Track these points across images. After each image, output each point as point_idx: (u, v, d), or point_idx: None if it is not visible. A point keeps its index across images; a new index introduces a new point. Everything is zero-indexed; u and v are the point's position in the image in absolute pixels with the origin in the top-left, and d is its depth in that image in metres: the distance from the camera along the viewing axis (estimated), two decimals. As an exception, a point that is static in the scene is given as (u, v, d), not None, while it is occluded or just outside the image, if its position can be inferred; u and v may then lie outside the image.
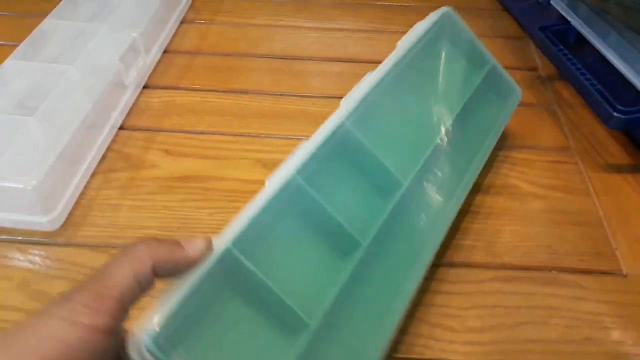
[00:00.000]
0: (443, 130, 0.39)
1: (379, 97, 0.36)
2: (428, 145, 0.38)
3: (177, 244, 0.24)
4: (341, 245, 0.31)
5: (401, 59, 0.38)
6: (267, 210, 0.27)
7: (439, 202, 0.37)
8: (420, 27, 0.41)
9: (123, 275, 0.22)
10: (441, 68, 0.43)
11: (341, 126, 0.33)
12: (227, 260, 0.25)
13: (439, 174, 0.38)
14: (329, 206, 0.30)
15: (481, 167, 0.41)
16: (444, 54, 0.43)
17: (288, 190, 0.29)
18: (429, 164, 0.37)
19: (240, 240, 0.26)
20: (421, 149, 0.37)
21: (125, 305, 0.22)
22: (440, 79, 0.42)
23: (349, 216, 0.31)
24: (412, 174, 0.35)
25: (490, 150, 0.43)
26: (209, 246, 0.25)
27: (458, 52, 0.44)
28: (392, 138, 0.36)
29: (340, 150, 0.33)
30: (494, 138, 0.43)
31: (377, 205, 0.33)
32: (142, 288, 0.22)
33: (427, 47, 0.41)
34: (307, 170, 0.30)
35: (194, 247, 0.24)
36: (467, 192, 0.39)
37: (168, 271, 0.23)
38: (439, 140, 0.38)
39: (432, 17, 0.42)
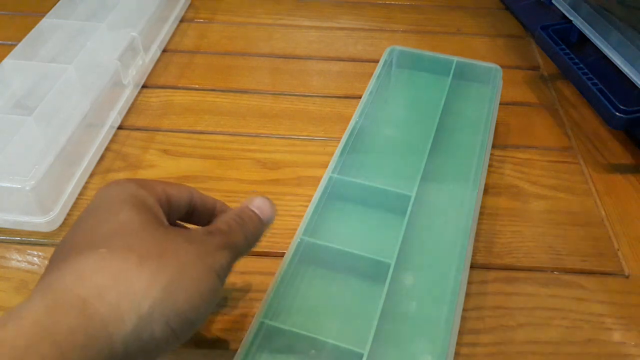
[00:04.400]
0: (432, 135, 0.41)
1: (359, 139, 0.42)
2: (423, 152, 0.40)
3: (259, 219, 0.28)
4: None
5: (366, 101, 0.44)
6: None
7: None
8: (376, 71, 0.48)
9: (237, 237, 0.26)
10: (409, 89, 0.48)
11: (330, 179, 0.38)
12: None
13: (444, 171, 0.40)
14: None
15: (486, 148, 0.41)
16: (406, 77, 0.49)
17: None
18: (430, 166, 0.39)
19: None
20: (418, 157, 0.40)
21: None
22: (411, 97, 0.47)
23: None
24: (417, 181, 0.38)
25: (490, 131, 0.43)
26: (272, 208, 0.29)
27: (418, 70, 0.49)
28: (383, 163, 0.41)
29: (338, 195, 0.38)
30: (488, 121, 0.44)
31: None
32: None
33: (386, 78, 0.48)
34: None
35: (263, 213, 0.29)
36: (481, 172, 0.40)
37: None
38: (430, 146, 0.40)
39: (382, 58, 0.49)
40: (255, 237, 0.28)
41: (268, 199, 0.29)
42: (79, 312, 0.19)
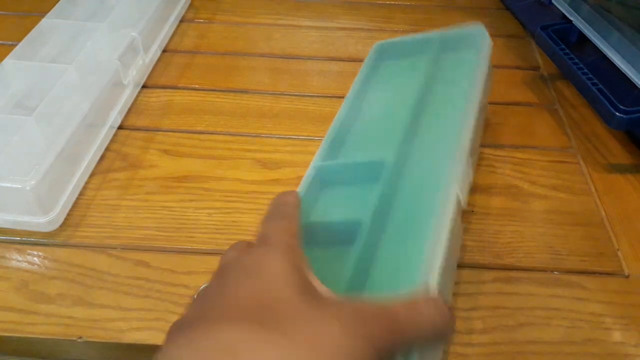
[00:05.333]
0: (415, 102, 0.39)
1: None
2: (403, 122, 0.38)
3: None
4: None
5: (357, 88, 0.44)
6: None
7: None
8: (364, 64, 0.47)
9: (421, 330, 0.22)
10: (395, 75, 0.46)
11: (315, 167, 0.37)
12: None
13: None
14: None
15: (469, 102, 0.39)
16: (393, 65, 0.47)
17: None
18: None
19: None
20: (398, 127, 0.38)
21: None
22: (397, 81, 0.45)
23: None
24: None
25: (475, 87, 0.40)
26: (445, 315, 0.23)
27: (406, 56, 0.47)
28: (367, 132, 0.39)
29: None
30: (471, 78, 0.41)
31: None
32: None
33: (373, 71, 0.46)
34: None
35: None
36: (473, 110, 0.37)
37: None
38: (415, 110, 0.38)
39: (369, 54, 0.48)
40: (422, 340, 0.23)
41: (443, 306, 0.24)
42: None
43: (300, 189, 0.34)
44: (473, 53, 0.43)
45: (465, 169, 0.34)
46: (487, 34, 0.44)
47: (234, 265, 0.23)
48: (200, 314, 0.21)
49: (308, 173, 0.36)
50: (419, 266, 0.27)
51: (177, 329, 0.21)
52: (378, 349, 0.20)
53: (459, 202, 0.32)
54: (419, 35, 0.47)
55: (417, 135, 0.37)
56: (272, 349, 0.18)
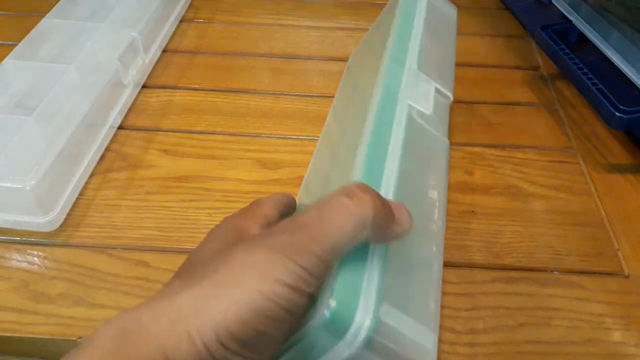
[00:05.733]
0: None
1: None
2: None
3: (391, 211, 0.22)
4: None
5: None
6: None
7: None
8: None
9: (343, 229, 0.21)
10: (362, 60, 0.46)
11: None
12: None
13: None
14: None
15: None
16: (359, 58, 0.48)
17: None
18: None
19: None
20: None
21: (332, 264, 0.21)
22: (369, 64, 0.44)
23: None
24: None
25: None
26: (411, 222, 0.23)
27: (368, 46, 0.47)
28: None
29: None
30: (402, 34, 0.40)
31: None
32: (352, 245, 0.21)
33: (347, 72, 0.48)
34: None
35: (402, 222, 0.23)
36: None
37: (375, 239, 0.23)
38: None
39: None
40: (352, 230, 0.21)
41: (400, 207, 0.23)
42: (141, 338, 0.19)
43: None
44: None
45: (416, 81, 0.34)
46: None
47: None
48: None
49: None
50: (358, 175, 0.27)
51: None
52: (291, 256, 0.20)
53: (417, 110, 0.32)
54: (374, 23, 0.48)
55: (369, 80, 0.37)
56: (181, 290, 0.20)
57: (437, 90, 0.36)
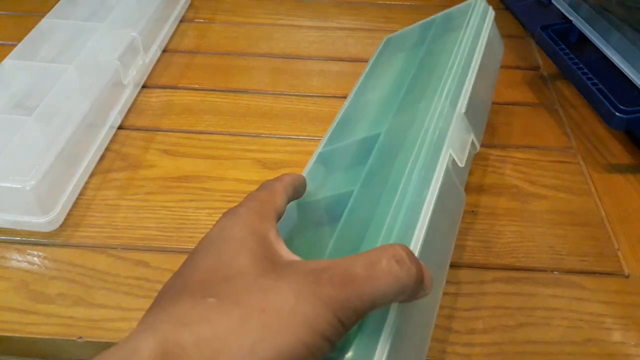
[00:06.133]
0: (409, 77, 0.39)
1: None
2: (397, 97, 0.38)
3: (423, 276, 0.23)
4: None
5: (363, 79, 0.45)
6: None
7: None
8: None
9: (387, 294, 0.21)
10: (397, 63, 0.45)
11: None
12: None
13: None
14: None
15: (463, 68, 0.37)
16: (397, 55, 0.47)
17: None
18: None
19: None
20: (393, 103, 0.38)
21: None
22: (398, 68, 0.44)
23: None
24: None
25: (469, 54, 0.38)
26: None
27: (411, 44, 0.47)
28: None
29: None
30: (461, 46, 0.39)
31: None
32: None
33: (377, 61, 0.47)
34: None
35: (427, 286, 0.23)
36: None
37: (403, 301, 0.23)
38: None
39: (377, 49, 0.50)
40: (388, 299, 0.21)
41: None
42: None
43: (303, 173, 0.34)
44: (468, 25, 0.42)
45: (460, 127, 0.33)
46: (484, 4, 0.43)
47: (205, 236, 0.24)
48: (166, 290, 0.22)
49: (309, 161, 0.36)
50: (394, 226, 0.26)
51: (149, 308, 0.22)
52: (335, 311, 0.20)
53: (452, 161, 0.31)
54: (422, 21, 0.47)
55: (411, 107, 0.36)
56: (223, 317, 0.19)
57: (472, 142, 0.35)
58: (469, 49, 0.38)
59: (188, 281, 0.22)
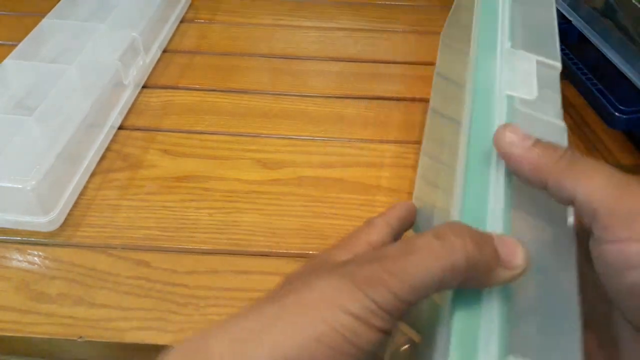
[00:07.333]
0: None
1: None
2: None
3: (495, 253, 0.19)
4: None
5: None
6: None
7: None
8: None
9: (428, 271, 0.18)
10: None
11: None
12: None
13: None
14: None
15: None
16: None
17: None
18: None
19: None
20: None
21: (412, 304, 0.19)
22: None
23: None
24: None
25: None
26: (528, 261, 0.20)
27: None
28: None
29: None
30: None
31: None
32: (438, 290, 0.19)
33: None
34: None
35: (511, 264, 0.19)
36: None
37: (476, 286, 0.20)
38: None
39: None
40: (433, 280, 0.18)
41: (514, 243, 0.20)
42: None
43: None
44: None
45: (511, 60, 0.29)
46: None
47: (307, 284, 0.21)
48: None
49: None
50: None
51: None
52: (359, 285, 0.18)
53: (516, 100, 0.27)
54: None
55: None
56: (254, 309, 0.19)
57: (541, 63, 0.30)
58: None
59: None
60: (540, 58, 0.31)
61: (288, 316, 0.18)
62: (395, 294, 0.18)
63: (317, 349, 0.17)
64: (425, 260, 0.18)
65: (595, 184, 0.20)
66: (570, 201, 0.21)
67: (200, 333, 0.19)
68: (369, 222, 0.26)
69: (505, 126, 0.22)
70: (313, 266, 0.23)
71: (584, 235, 0.21)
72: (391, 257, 0.19)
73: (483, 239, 0.19)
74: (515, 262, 0.19)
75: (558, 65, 0.31)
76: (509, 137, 0.22)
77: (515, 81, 0.28)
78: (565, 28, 0.52)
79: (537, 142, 0.22)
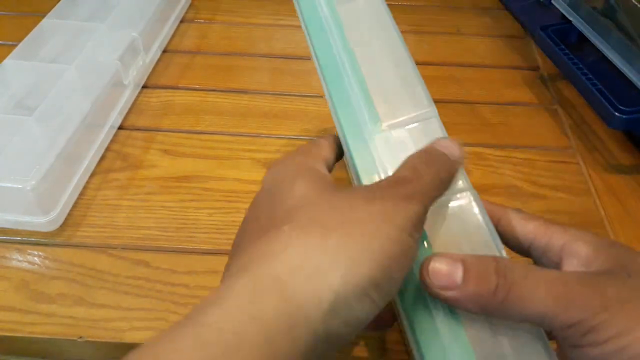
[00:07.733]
0: None
1: None
2: None
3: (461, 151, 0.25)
4: None
5: None
6: None
7: None
8: None
9: (442, 180, 0.24)
10: None
11: None
12: None
13: None
14: None
15: None
16: None
17: None
18: None
19: None
20: None
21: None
22: None
23: None
24: None
25: None
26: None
27: None
28: None
29: None
30: None
31: None
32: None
33: None
34: None
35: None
36: None
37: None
38: None
39: None
40: (447, 179, 0.24)
41: (453, 140, 0.26)
42: (279, 296, 0.18)
43: None
44: None
45: None
46: None
47: (263, 183, 0.26)
48: (238, 241, 0.24)
49: None
50: None
51: (227, 263, 0.23)
52: (410, 231, 0.21)
53: None
54: None
55: None
56: (306, 240, 0.20)
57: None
58: None
59: (256, 224, 0.23)
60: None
61: (361, 241, 0.20)
62: (425, 205, 0.22)
63: (390, 265, 0.20)
64: (441, 171, 0.24)
65: (540, 303, 0.21)
66: (522, 321, 0.22)
67: (259, 268, 0.19)
68: (314, 141, 0.28)
69: (425, 269, 0.22)
70: (313, 183, 0.24)
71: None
72: (413, 178, 0.23)
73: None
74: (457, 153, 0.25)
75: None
76: (437, 281, 0.22)
77: None
78: (566, 28, 0.52)
79: (466, 271, 0.22)
